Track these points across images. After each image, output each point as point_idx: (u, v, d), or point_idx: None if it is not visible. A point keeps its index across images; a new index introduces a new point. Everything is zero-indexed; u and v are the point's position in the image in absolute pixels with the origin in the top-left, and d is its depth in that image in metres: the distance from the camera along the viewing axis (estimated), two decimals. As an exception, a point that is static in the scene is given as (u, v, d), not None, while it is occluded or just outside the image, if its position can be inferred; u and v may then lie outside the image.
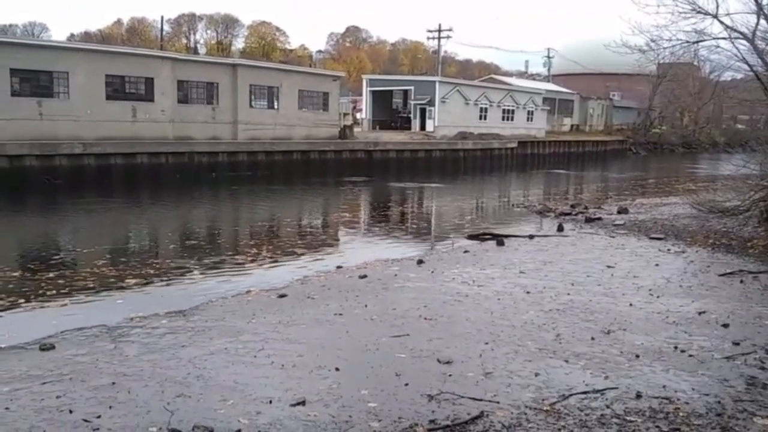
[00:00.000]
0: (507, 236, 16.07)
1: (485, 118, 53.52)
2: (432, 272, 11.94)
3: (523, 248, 14.58)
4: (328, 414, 5.61)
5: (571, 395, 6.05)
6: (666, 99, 73.96)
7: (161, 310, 9.35)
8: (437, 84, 49.93)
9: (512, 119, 56.64)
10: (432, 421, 5.47)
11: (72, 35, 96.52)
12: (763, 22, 16.55)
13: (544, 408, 5.76)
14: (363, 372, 6.66)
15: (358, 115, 57.45)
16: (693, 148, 77.25)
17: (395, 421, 5.49)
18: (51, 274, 12.18)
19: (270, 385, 6.31)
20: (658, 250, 14.12)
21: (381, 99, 55.47)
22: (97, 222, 20.53)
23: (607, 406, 5.82)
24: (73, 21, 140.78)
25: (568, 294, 10.13)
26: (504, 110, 55.85)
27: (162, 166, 29.35)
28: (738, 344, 7.63)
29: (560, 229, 17.17)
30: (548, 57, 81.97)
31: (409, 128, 50.96)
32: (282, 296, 10.13)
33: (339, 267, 12.85)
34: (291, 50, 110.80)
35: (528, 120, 58.79)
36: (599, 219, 18.89)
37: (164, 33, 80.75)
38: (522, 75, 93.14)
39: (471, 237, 16.74)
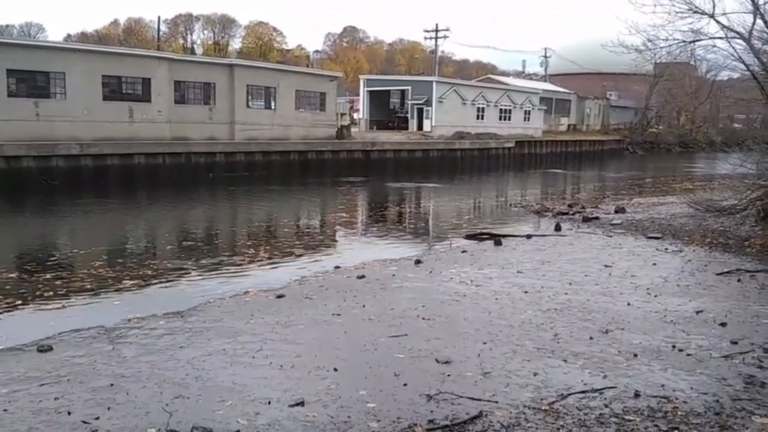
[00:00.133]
0: (504, 236, 16.08)
1: (482, 118, 53.56)
2: (430, 272, 11.95)
3: (521, 248, 14.59)
4: (326, 414, 5.61)
5: (569, 395, 6.05)
6: (663, 98, 74.05)
7: (159, 311, 9.33)
8: (434, 84, 49.96)
9: (509, 119, 56.69)
10: (431, 421, 5.48)
11: (69, 36, 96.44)
12: (759, 21, 16.57)
13: (543, 407, 5.76)
14: (361, 372, 6.66)
15: (355, 115, 57.45)
16: (690, 148, 77.35)
17: (394, 421, 5.49)
18: (48, 276, 12.16)
19: (268, 385, 6.30)
20: (656, 249, 14.14)
21: (378, 99, 55.47)
22: (95, 223, 20.50)
23: (606, 406, 5.82)
24: (70, 21, 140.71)
25: (566, 293, 10.14)
26: (501, 110, 55.90)
27: (159, 167, 29.31)
28: (736, 343, 7.64)
29: (558, 228, 17.18)
30: (545, 57, 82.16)
31: (407, 128, 50.96)
32: (280, 297, 10.12)
33: (337, 267, 12.84)
34: (288, 50, 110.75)
35: (525, 120, 58.85)
36: (596, 218, 18.91)
37: (161, 33, 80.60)
38: (519, 75, 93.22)
39: (469, 237, 16.75)
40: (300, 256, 14.99)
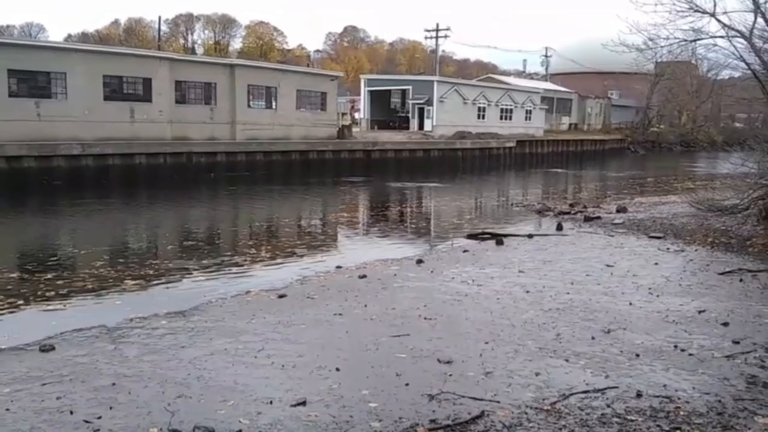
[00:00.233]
0: (506, 235, 16.08)
1: (483, 118, 53.54)
2: (431, 272, 11.94)
3: (523, 247, 14.58)
4: (328, 414, 5.61)
5: (571, 394, 6.05)
6: (664, 98, 74.00)
7: (161, 310, 9.33)
8: (435, 83, 49.93)
9: (510, 118, 56.66)
10: (433, 421, 5.47)
11: (69, 36, 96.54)
12: (760, 20, 16.56)
13: (545, 407, 5.76)
14: (363, 372, 6.65)
15: (356, 115, 57.46)
16: (691, 147, 77.30)
17: (396, 421, 5.49)
18: (50, 275, 12.17)
19: (270, 385, 6.30)
20: (658, 248, 14.12)
21: (379, 99, 55.46)
22: (96, 223, 20.51)
23: (608, 406, 5.82)
24: (71, 21, 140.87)
25: (568, 293, 10.13)
26: (502, 109, 55.87)
27: (160, 167, 29.33)
28: (738, 343, 7.63)
29: (559, 228, 17.17)
30: (546, 56, 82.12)
31: (408, 128, 50.95)
32: (282, 296, 10.12)
33: (338, 267, 12.84)
34: (289, 50, 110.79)
35: (526, 119, 58.82)
36: (598, 218, 18.90)
37: (162, 33, 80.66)
38: (520, 74, 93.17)
39: (470, 236, 16.74)
40: (301, 255, 14.99)
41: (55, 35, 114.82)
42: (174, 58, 35.38)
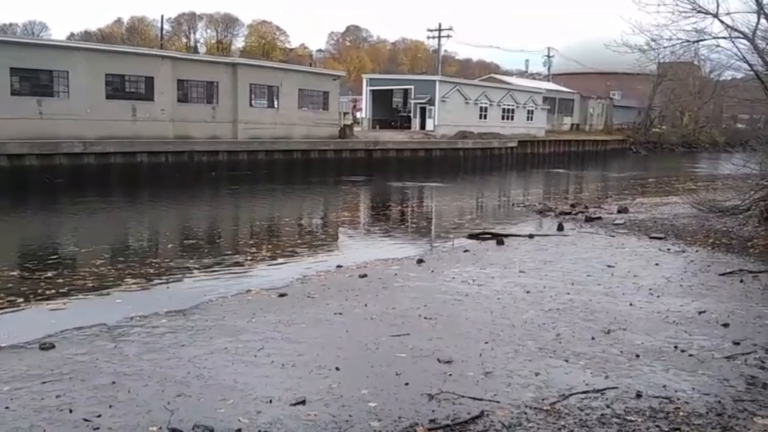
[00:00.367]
0: (507, 235, 16.07)
1: (485, 118, 53.52)
2: (432, 271, 11.94)
3: (523, 247, 14.58)
4: (328, 413, 5.61)
5: (571, 395, 6.05)
6: (666, 98, 73.97)
7: (161, 309, 9.34)
8: (437, 83, 49.92)
9: (512, 118, 56.64)
10: (432, 421, 5.47)
11: (72, 34, 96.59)
12: (763, 21, 16.56)
13: (545, 407, 5.76)
14: (363, 371, 6.66)
15: (358, 115, 57.43)
16: (693, 148, 77.25)
17: (395, 420, 5.49)
18: (50, 274, 12.18)
19: (270, 384, 6.31)
20: (658, 249, 14.11)
21: (381, 98, 55.45)
22: (97, 221, 20.53)
23: (608, 406, 5.81)
24: (73, 20, 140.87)
25: (568, 293, 10.13)
26: (504, 109, 55.84)
27: (162, 165, 29.33)
28: (738, 344, 7.63)
29: (560, 228, 17.17)
30: (548, 56, 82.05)
31: (409, 127, 50.95)
32: (282, 295, 10.12)
33: (339, 266, 12.84)
34: (291, 49, 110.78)
35: (528, 119, 58.79)
36: (599, 218, 18.89)
37: (164, 32, 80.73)
38: (522, 74, 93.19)
39: (471, 236, 16.73)
40: (302, 255, 15.01)
41: (58, 34, 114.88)
42: (176, 56, 35.39)
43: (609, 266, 12.26)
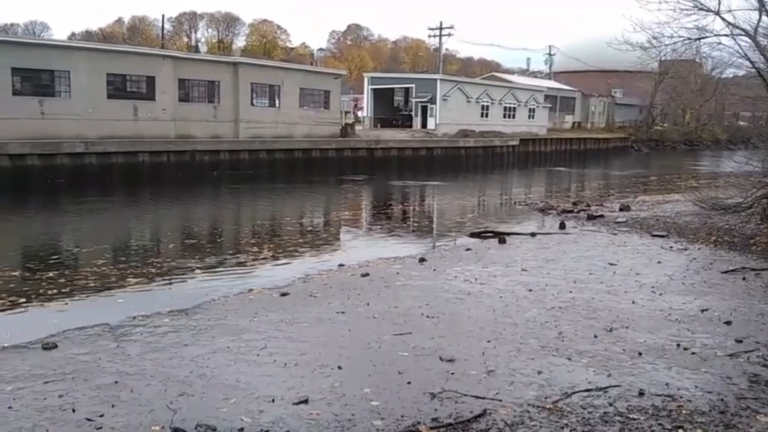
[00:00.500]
0: (509, 234, 16.06)
1: (487, 116, 53.49)
2: (434, 270, 11.94)
3: (525, 246, 14.57)
4: (330, 412, 5.61)
5: (573, 393, 6.04)
6: (668, 96, 73.87)
7: (163, 308, 9.35)
8: (438, 82, 49.89)
9: (514, 117, 56.60)
10: (435, 419, 5.47)
11: (73, 34, 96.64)
12: (765, 18, 16.55)
13: (547, 406, 5.75)
14: (365, 370, 6.65)
15: (359, 113, 57.43)
16: (695, 146, 77.14)
17: (398, 419, 5.49)
18: (52, 274, 12.19)
19: (272, 383, 6.31)
20: (661, 247, 14.10)
21: (382, 97, 55.43)
22: (99, 221, 20.55)
23: (610, 404, 5.81)
24: (75, 20, 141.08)
25: (571, 292, 10.12)
26: (505, 108, 55.81)
27: (163, 165, 29.33)
28: (741, 342, 7.62)
29: (562, 226, 17.16)
30: (550, 54, 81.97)
31: (411, 126, 50.93)
32: (284, 295, 10.12)
33: (341, 265, 12.84)
34: (292, 48, 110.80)
35: (529, 117, 58.74)
36: (601, 216, 18.87)
37: (165, 31, 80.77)
38: (523, 72, 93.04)
39: (473, 235, 16.72)
40: (304, 254, 15.01)
41: (59, 34, 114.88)
42: (177, 56, 35.42)
43: (611, 264, 12.25)
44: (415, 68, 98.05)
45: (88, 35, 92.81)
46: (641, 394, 6.04)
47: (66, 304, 10.27)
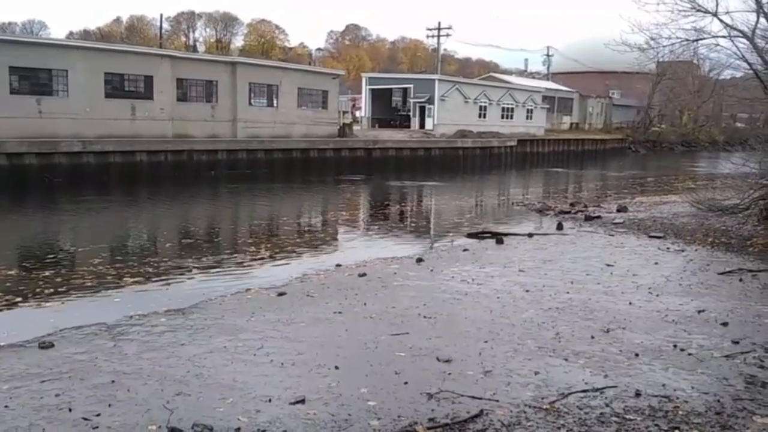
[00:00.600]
0: (506, 234, 16.07)
1: (484, 117, 53.51)
2: (431, 271, 11.94)
3: (523, 247, 14.58)
4: (327, 412, 5.61)
5: (570, 394, 6.05)
6: (665, 97, 73.93)
7: (160, 308, 9.34)
8: (436, 82, 49.89)
9: (512, 117, 56.64)
10: (431, 420, 5.47)
11: (71, 33, 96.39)
12: (762, 20, 16.57)
13: (544, 406, 5.76)
14: (362, 370, 6.65)
15: (357, 113, 57.41)
16: (692, 147, 77.26)
17: (395, 419, 5.49)
18: (49, 273, 12.17)
19: (269, 383, 6.30)
20: (658, 248, 14.12)
21: (380, 97, 55.44)
22: (96, 220, 20.52)
23: (607, 405, 5.82)
24: (72, 19, 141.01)
25: (568, 292, 10.13)
26: (503, 108, 55.84)
27: (161, 165, 29.31)
28: (737, 343, 7.63)
29: (559, 227, 17.17)
30: (548, 55, 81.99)
31: (409, 126, 50.93)
32: (281, 294, 10.12)
33: (338, 265, 12.84)
34: (290, 48, 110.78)
35: (527, 118, 58.79)
36: (598, 217, 18.89)
37: (163, 31, 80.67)
38: (521, 73, 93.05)
39: (470, 235, 16.73)
40: (301, 254, 15.01)
41: (57, 32, 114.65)
42: (175, 55, 35.37)
43: (608, 265, 12.27)
44: (413, 68, 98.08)
45: (86, 34, 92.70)
46: (638, 394, 6.04)
47: (63, 303, 10.26)
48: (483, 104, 53.45)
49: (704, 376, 6.57)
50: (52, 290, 10.91)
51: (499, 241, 15.18)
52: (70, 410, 5.64)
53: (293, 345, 7.51)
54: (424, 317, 8.69)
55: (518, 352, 7.28)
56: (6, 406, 5.72)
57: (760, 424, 5.46)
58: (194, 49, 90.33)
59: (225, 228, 20.51)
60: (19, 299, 10.37)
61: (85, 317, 8.88)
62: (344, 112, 45.05)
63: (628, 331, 8.07)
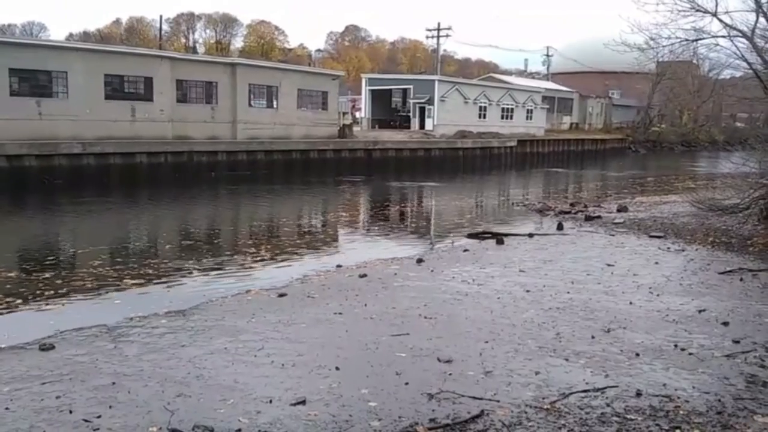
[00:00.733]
0: (506, 235, 16.07)
1: (484, 117, 53.50)
2: (432, 271, 11.94)
3: (523, 247, 14.58)
4: (328, 413, 5.61)
5: (571, 394, 6.04)
6: (665, 97, 73.94)
7: (161, 309, 9.34)
8: (436, 83, 49.88)
9: (511, 118, 56.62)
10: (432, 420, 5.47)
11: (71, 35, 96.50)
12: (762, 20, 16.57)
13: (545, 406, 5.75)
14: (363, 371, 6.65)
15: (357, 114, 57.40)
16: (692, 147, 77.29)
17: (395, 420, 5.49)
18: (49, 275, 12.17)
19: (270, 384, 6.30)
20: (658, 248, 14.11)
21: (380, 98, 55.42)
22: (96, 222, 20.52)
23: (608, 405, 5.81)
24: (72, 21, 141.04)
25: (568, 292, 10.13)
26: (503, 109, 55.83)
27: (161, 166, 29.31)
28: (738, 342, 7.63)
29: (560, 227, 17.17)
30: (547, 55, 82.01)
31: (409, 127, 50.91)
32: (282, 295, 10.12)
33: (339, 266, 12.83)
34: (290, 49, 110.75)
35: (527, 118, 58.77)
36: (599, 217, 18.89)
37: (163, 32, 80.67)
38: (521, 74, 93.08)
39: (470, 236, 16.73)
40: (302, 255, 15.01)
41: (57, 34, 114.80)
42: (175, 57, 35.36)
43: (609, 265, 12.26)
44: (412, 69, 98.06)
45: (85, 36, 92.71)
46: (639, 394, 6.04)
47: (63, 305, 10.26)
48: (483, 105, 53.44)
49: (705, 376, 6.56)
50: (52, 292, 10.91)
51: (500, 242, 15.18)
52: (70, 412, 5.63)
53: (294, 346, 7.51)
54: (425, 318, 8.69)
55: (519, 352, 7.28)
56: (7, 408, 5.72)
57: (761, 424, 5.46)
58: (194, 50, 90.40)
59: (225, 229, 20.50)
60: (19, 301, 10.37)
61: (86, 319, 8.88)
62: (344, 113, 45.02)
63: (629, 331, 8.07)
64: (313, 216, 24.12)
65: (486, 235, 16.45)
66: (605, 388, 6.19)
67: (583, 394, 6.04)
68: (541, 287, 10.48)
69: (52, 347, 7.49)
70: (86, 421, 5.44)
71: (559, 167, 49.54)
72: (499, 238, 15.54)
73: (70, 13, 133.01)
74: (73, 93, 28.96)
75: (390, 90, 56.57)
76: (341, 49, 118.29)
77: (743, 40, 16.92)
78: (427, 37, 67.40)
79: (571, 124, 70.78)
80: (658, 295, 10.02)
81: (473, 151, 44.52)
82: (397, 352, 7.25)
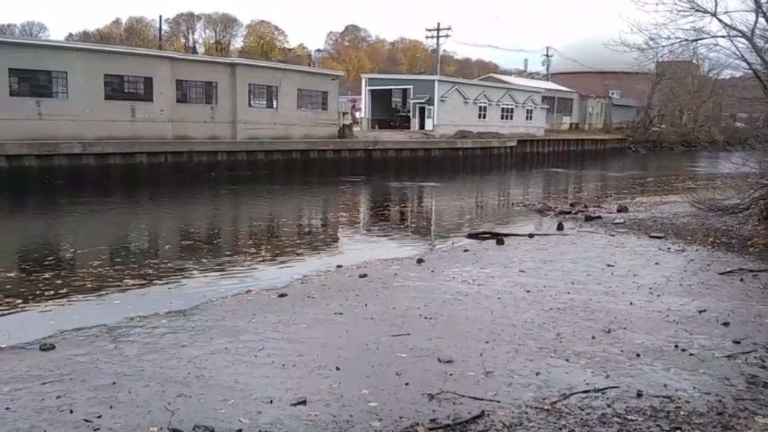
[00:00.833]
0: (507, 235, 16.07)
1: (484, 117, 53.51)
2: (432, 271, 11.93)
3: (523, 247, 14.57)
4: (328, 413, 5.61)
5: (572, 394, 6.04)
6: (665, 97, 73.97)
7: (161, 309, 9.34)
8: (436, 83, 49.88)
9: (511, 118, 56.63)
10: (433, 421, 5.47)
11: (70, 35, 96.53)
12: (761, 20, 16.57)
13: (545, 407, 5.75)
14: (363, 371, 6.65)
15: (357, 114, 57.39)
16: (692, 147, 77.33)
17: (396, 420, 5.49)
18: (50, 275, 12.17)
19: (270, 384, 6.30)
20: (658, 248, 14.11)
21: (380, 98, 55.42)
22: (96, 222, 20.51)
23: (608, 405, 5.81)
24: (72, 21, 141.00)
25: (569, 293, 10.13)
26: (503, 109, 55.83)
27: (161, 166, 29.31)
28: (739, 343, 7.63)
29: (560, 227, 17.17)
30: (547, 55, 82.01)
31: (408, 127, 50.92)
32: (282, 296, 10.12)
33: (339, 266, 12.83)
34: (290, 49, 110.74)
35: (527, 119, 58.78)
36: (599, 218, 18.89)
37: (163, 32, 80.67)
38: (521, 74, 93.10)
39: (471, 236, 16.73)
40: (302, 255, 15.01)
41: (56, 34, 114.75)
42: (175, 57, 35.35)
43: (609, 265, 12.26)
44: (412, 69, 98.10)
45: (85, 36, 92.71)
46: (639, 395, 6.04)
47: (63, 305, 10.26)
48: (483, 105, 53.45)
49: (706, 377, 6.56)
50: (52, 292, 10.91)
51: (500, 242, 15.18)
52: (71, 412, 5.63)
53: (294, 346, 7.50)
54: (425, 318, 8.69)
55: (519, 352, 7.28)
56: (7, 408, 5.71)
57: (762, 424, 5.45)
58: (194, 50, 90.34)
59: (225, 229, 20.51)
60: (19, 301, 10.36)
61: (86, 319, 8.88)
62: (344, 113, 45.01)
63: (629, 332, 8.06)
64: (313, 216, 24.11)
65: (486, 236, 16.45)
66: (606, 388, 6.19)
67: (583, 395, 6.03)
68: (542, 287, 10.47)
69: (53, 347, 7.48)
70: (87, 421, 5.44)
71: (559, 167, 49.54)
72: (500, 238, 15.54)
73: (70, 13, 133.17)
74: (73, 93, 28.95)
75: (390, 90, 56.58)
76: (341, 49, 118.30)
77: (743, 40, 16.93)
78: (427, 37, 67.47)
79: (571, 124, 70.79)
80: (658, 295, 10.01)
81: (473, 151, 44.53)
82: (397, 352, 7.25)
